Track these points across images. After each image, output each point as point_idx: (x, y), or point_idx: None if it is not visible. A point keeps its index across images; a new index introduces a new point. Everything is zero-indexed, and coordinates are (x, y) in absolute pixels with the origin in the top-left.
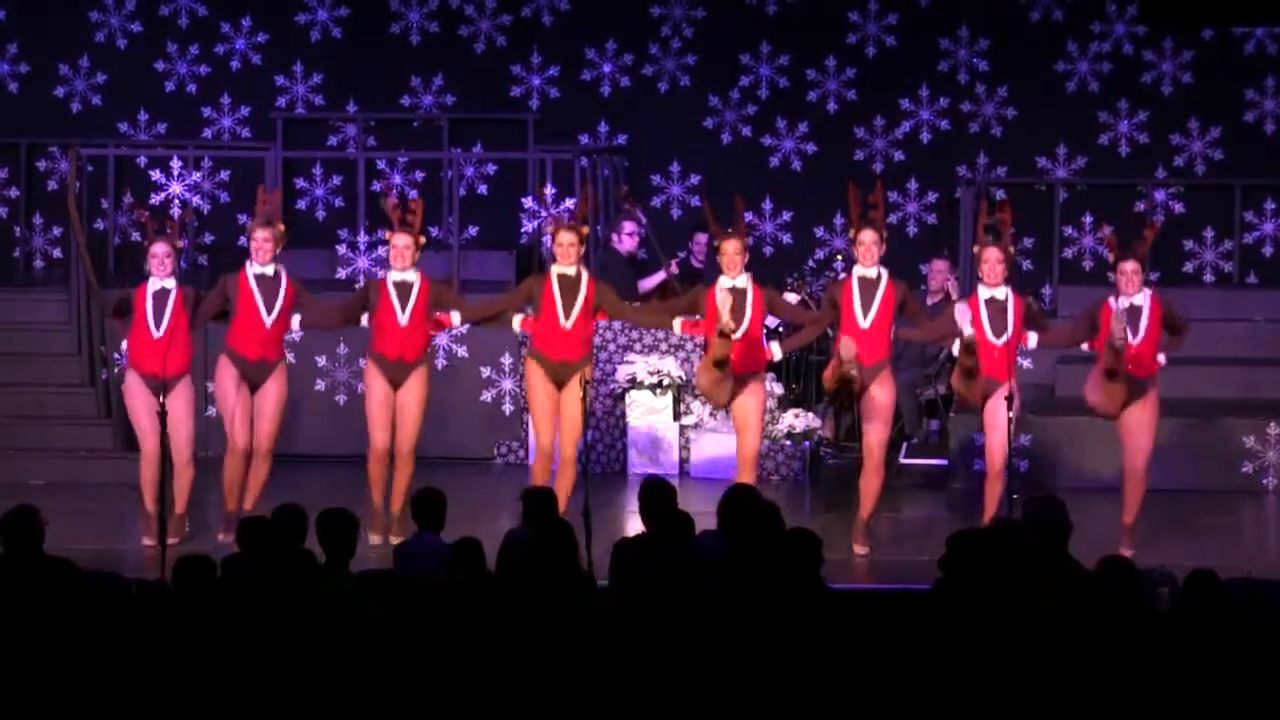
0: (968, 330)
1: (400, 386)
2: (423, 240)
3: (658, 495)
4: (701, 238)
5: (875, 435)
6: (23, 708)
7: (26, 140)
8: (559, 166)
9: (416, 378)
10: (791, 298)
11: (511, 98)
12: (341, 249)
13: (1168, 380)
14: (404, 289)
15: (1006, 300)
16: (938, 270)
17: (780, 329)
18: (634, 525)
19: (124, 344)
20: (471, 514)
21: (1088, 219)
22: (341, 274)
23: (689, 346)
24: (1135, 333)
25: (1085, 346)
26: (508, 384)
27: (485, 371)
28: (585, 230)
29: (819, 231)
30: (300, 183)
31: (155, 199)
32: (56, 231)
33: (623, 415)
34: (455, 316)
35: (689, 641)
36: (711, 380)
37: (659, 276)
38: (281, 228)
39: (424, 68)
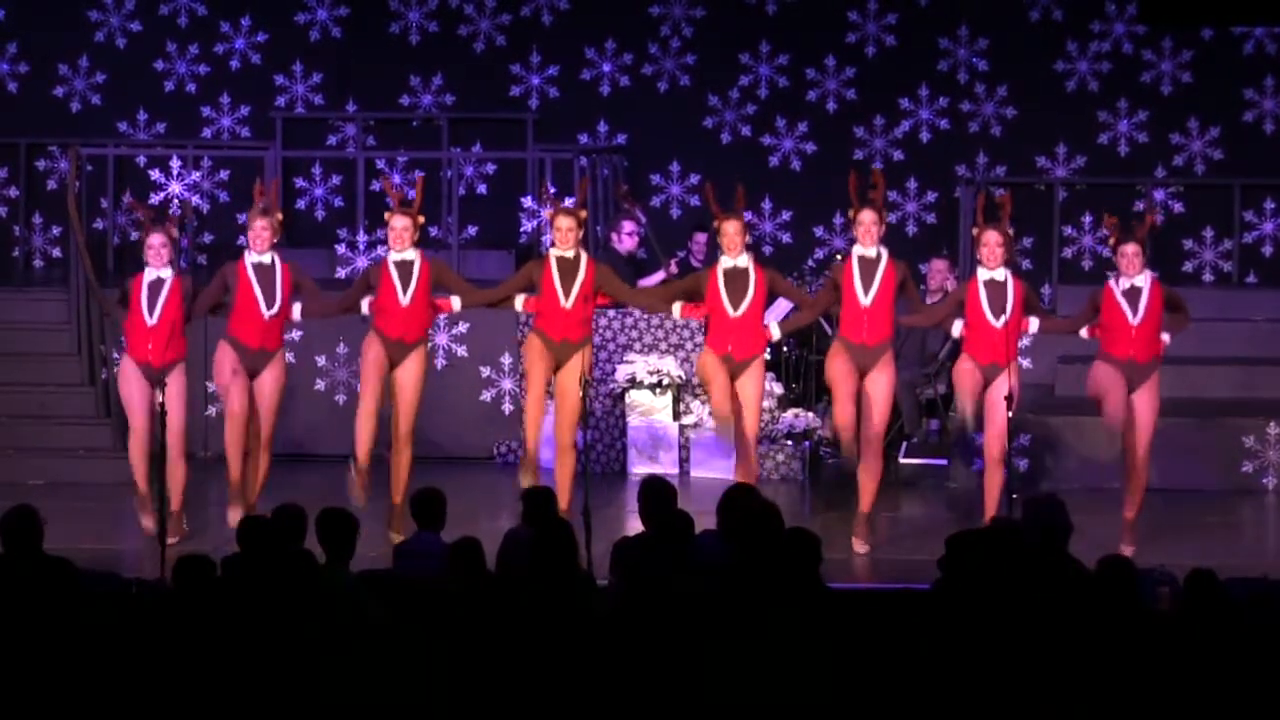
0: (958, 331)
1: (398, 365)
2: (421, 219)
3: (658, 495)
4: (701, 237)
5: (875, 421)
6: (22, 707)
7: (26, 140)
8: (558, 166)
9: (415, 358)
10: (791, 285)
11: (511, 97)
12: (341, 248)
13: (1168, 380)
14: (405, 269)
15: (1006, 282)
16: (937, 270)
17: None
18: (634, 525)
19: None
20: (471, 513)
21: (1087, 218)
22: (341, 273)
23: (689, 346)
24: (1136, 314)
25: (1085, 333)
26: (507, 384)
27: (485, 371)
28: (583, 214)
29: (818, 231)
30: (300, 182)
31: (155, 198)
32: (56, 231)
33: (623, 415)
34: (455, 302)
35: (689, 641)
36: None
37: (658, 276)
38: (279, 217)
39: (423, 67)
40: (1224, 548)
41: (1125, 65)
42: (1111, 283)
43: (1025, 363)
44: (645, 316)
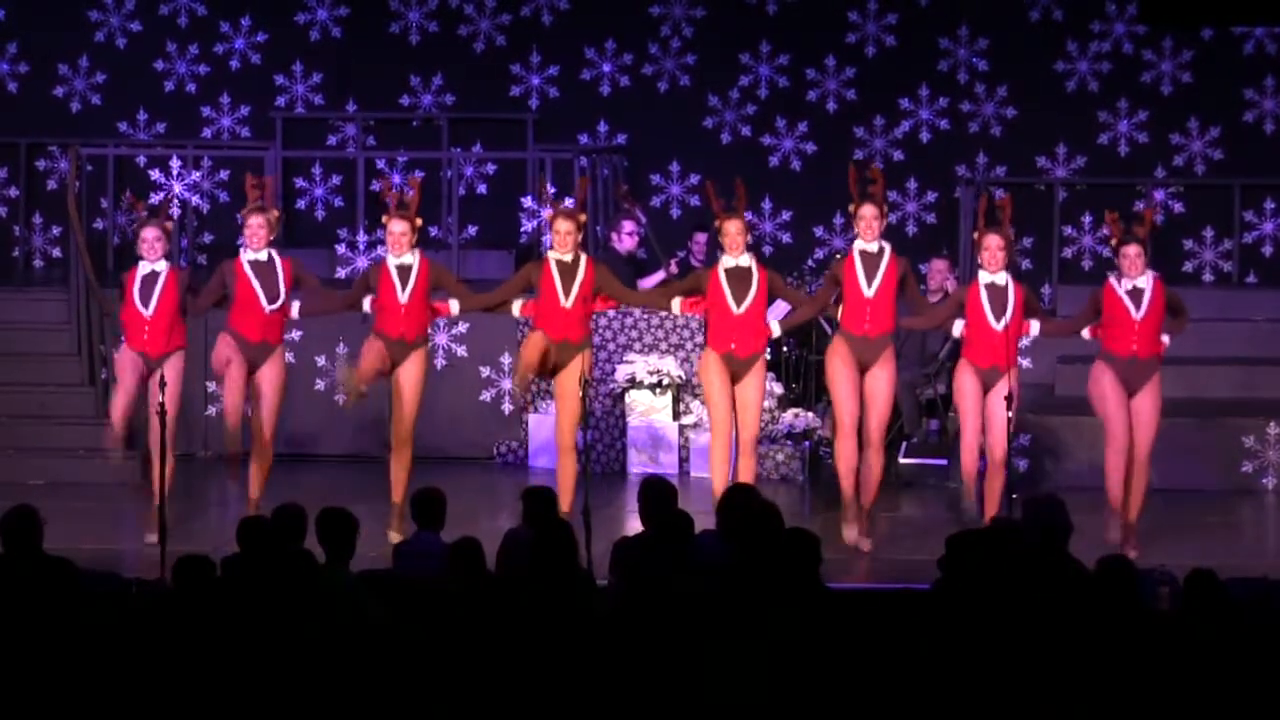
0: (958, 330)
1: (398, 366)
2: (419, 222)
3: (658, 495)
4: (701, 237)
5: (876, 417)
6: (22, 707)
7: (26, 140)
8: (558, 166)
9: (414, 360)
10: (791, 287)
11: (511, 97)
12: (341, 248)
13: (1168, 380)
14: (404, 271)
15: (1007, 286)
16: (937, 270)
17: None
18: (634, 525)
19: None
20: (471, 513)
21: (1087, 218)
22: (341, 273)
23: (689, 346)
24: (1139, 309)
25: (1087, 334)
26: (507, 383)
27: (485, 371)
28: (583, 217)
29: (818, 231)
30: (300, 182)
31: (155, 198)
32: (56, 231)
33: (622, 415)
34: (454, 305)
35: (689, 641)
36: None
37: (658, 276)
38: (275, 213)
39: (423, 67)
40: (1224, 548)
41: (1125, 65)
42: (1112, 280)
43: (1025, 362)
44: (645, 316)
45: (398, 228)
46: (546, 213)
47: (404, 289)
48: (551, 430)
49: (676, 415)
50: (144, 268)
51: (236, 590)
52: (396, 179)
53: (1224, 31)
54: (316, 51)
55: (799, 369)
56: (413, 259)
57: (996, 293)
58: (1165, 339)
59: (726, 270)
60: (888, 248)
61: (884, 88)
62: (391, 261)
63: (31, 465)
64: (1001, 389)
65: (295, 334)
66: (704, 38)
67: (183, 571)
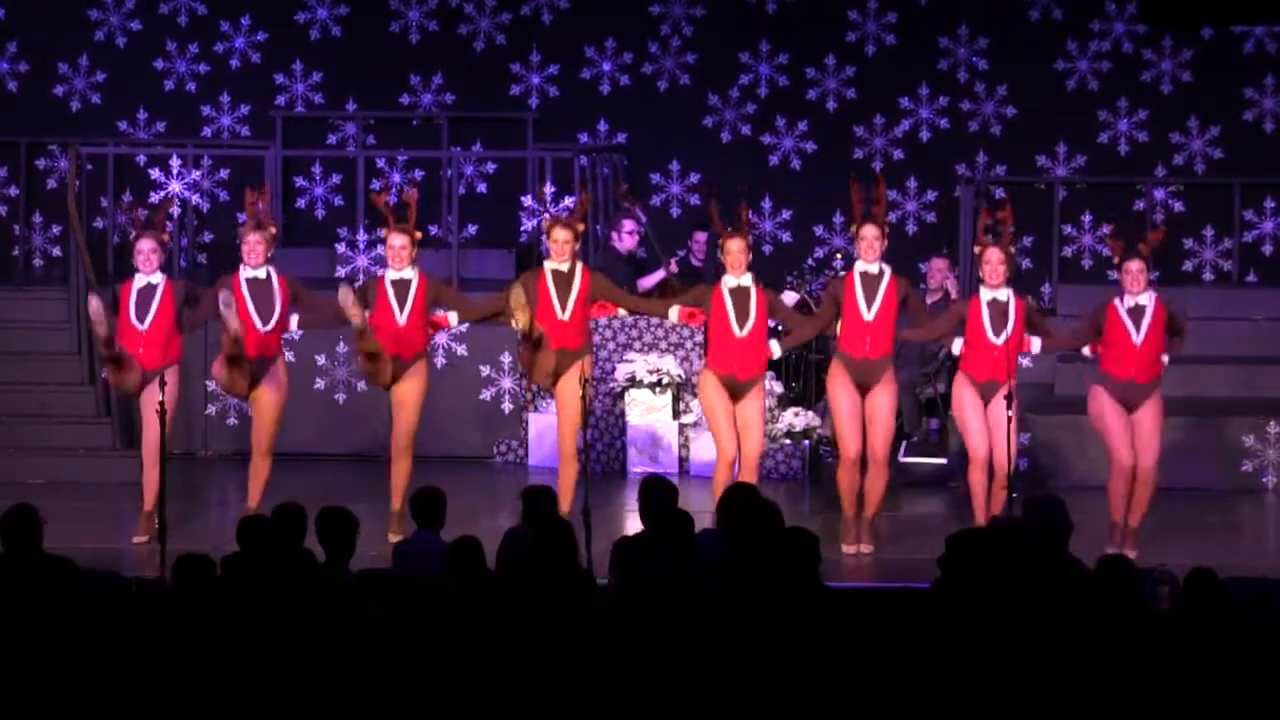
0: (958, 348)
1: (397, 381)
2: (419, 235)
3: (659, 494)
4: (701, 236)
5: (879, 437)
6: (22, 707)
7: (26, 139)
8: (558, 165)
9: (414, 374)
10: (791, 296)
11: (511, 96)
12: (340, 248)
13: (1168, 379)
14: (401, 287)
15: (1008, 302)
16: (937, 269)
17: (780, 329)
18: (633, 524)
19: None
20: (471, 513)
21: (1087, 218)
22: (340, 273)
23: (689, 345)
24: (1139, 332)
25: (1087, 351)
26: (507, 383)
27: (485, 370)
28: (581, 227)
29: (818, 230)
30: (300, 181)
31: (154, 197)
32: (56, 230)
33: (622, 414)
34: (453, 317)
35: (689, 641)
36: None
37: (658, 275)
38: (273, 230)
39: (423, 66)
40: (1224, 547)
41: (1125, 64)
42: (1116, 301)
43: (1025, 362)
44: (645, 315)
45: (398, 241)
46: (546, 221)
47: (401, 310)
48: (551, 429)
49: (676, 415)
50: (140, 280)
51: (236, 590)
52: (396, 178)
53: (1224, 30)
54: (316, 50)
55: (799, 368)
56: (412, 274)
57: (998, 308)
58: (1165, 359)
59: (731, 290)
60: (888, 270)
61: (884, 87)
62: (390, 277)
63: (31, 464)
64: (1001, 403)
65: (295, 334)
66: (704, 37)
67: (183, 571)
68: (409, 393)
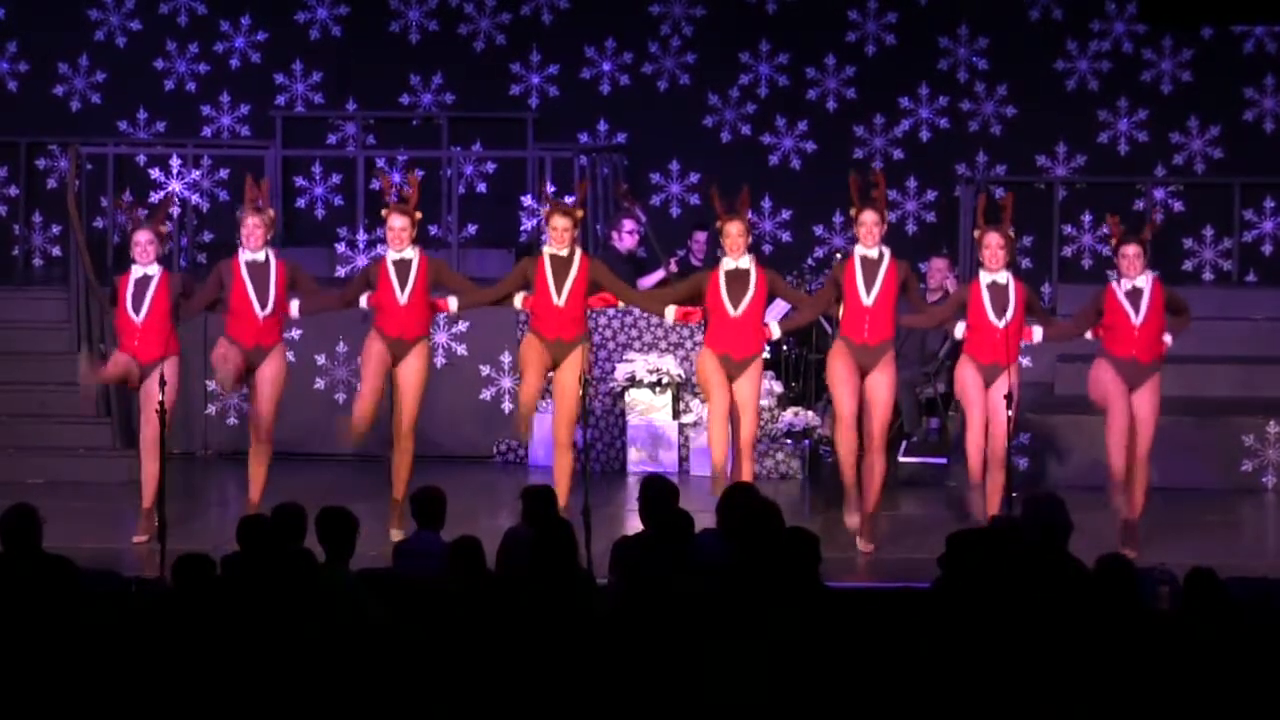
0: (960, 332)
1: (399, 362)
2: (419, 216)
3: (659, 494)
4: (701, 236)
5: (877, 420)
6: (22, 706)
7: (26, 139)
8: (558, 165)
9: (415, 355)
10: (791, 287)
11: (511, 96)
12: (340, 247)
13: (1167, 378)
14: (403, 267)
15: (1008, 285)
16: (937, 268)
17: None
18: (633, 523)
19: None
20: (471, 512)
21: (1087, 217)
22: (341, 272)
23: (689, 345)
24: (1138, 314)
25: (1090, 335)
26: (507, 382)
27: (484, 370)
28: (579, 214)
29: (818, 230)
30: (300, 181)
31: (154, 197)
32: (56, 230)
33: (622, 413)
34: (452, 303)
35: (689, 641)
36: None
37: (658, 274)
38: (271, 213)
39: (423, 66)
40: (1224, 547)
41: (1125, 64)
42: (1114, 284)
43: (1025, 361)
44: (645, 315)
45: (398, 222)
46: (545, 207)
47: (403, 288)
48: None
49: (676, 414)
50: (136, 272)
51: (236, 589)
52: (396, 177)
53: (1224, 30)
54: (316, 50)
55: (799, 368)
56: (412, 254)
57: (998, 291)
58: (1168, 338)
59: (726, 272)
60: (887, 253)
61: (884, 86)
62: (391, 258)
63: (31, 464)
64: (1001, 386)
65: (295, 333)
66: (704, 36)
67: (182, 570)
68: (411, 374)
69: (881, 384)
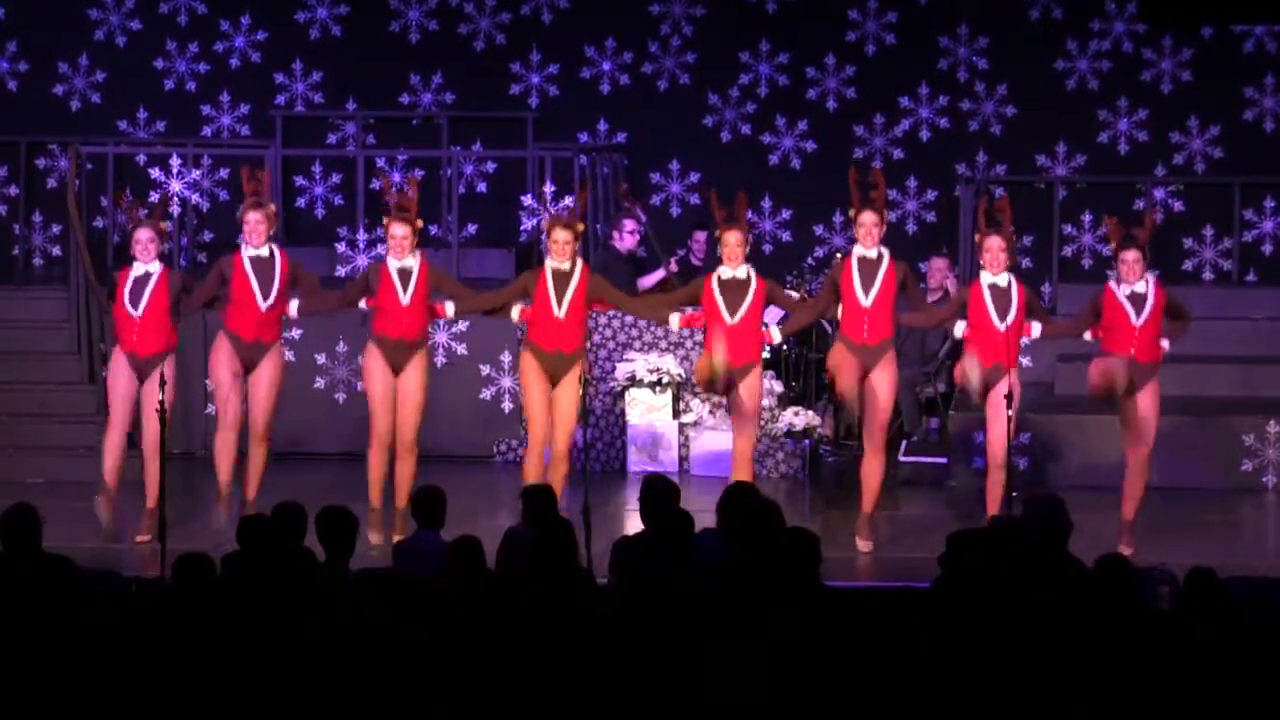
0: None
1: (401, 371)
2: (420, 224)
3: (659, 494)
4: (701, 235)
5: (877, 419)
6: (22, 706)
7: (26, 138)
8: (558, 164)
9: (416, 363)
10: (791, 295)
11: (511, 96)
12: (341, 247)
13: (1167, 378)
14: (405, 273)
15: (1010, 286)
16: (937, 268)
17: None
18: (634, 523)
19: None
20: (471, 512)
21: (1087, 217)
22: (341, 272)
23: (688, 345)
24: (1139, 316)
25: (1088, 336)
26: (507, 382)
27: (484, 369)
28: (580, 227)
29: (818, 229)
30: (300, 180)
31: (154, 196)
32: (56, 229)
33: (622, 413)
34: (449, 308)
35: (689, 641)
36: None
37: (658, 274)
38: (273, 208)
39: (423, 65)
40: (1224, 547)
41: (1125, 64)
42: (1112, 284)
43: (1025, 361)
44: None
45: (399, 231)
46: (545, 218)
47: (405, 292)
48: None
49: (676, 414)
50: (137, 268)
51: (236, 589)
52: (396, 177)
53: (1224, 30)
54: (316, 50)
55: (799, 368)
56: (414, 261)
57: (1000, 293)
58: (1165, 344)
59: (721, 280)
60: (886, 254)
61: (884, 86)
62: (393, 264)
63: (31, 464)
64: (1002, 388)
65: (295, 332)
66: (704, 36)
67: (182, 570)
68: (412, 383)
69: (882, 383)
